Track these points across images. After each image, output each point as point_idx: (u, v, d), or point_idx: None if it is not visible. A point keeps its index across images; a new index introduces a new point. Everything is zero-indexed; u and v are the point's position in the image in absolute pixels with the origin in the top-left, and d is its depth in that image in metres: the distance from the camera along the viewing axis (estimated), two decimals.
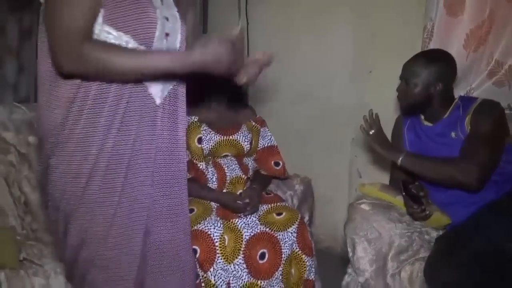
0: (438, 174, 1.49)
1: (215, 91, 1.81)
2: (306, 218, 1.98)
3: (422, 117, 1.69)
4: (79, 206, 1.04)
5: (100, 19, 0.95)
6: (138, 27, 0.98)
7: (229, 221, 1.59)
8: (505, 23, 1.84)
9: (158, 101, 1.09)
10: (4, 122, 1.74)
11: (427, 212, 1.49)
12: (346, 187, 2.50)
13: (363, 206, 1.57)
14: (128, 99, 1.03)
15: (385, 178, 2.01)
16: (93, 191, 1.03)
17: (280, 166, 1.89)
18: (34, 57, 3.77)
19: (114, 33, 0.97)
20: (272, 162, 1.87)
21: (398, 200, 1.62)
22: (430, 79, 1.58)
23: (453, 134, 1.57)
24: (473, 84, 1.92)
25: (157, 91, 1.08)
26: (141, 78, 1.03)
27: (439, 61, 1.60)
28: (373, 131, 1.61)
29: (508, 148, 1.52)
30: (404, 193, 1.54)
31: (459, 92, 1.93)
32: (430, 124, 1.66)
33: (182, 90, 1.18)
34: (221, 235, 1.51)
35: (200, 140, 1.71)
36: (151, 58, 0.99)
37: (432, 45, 2.00)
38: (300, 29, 2.57)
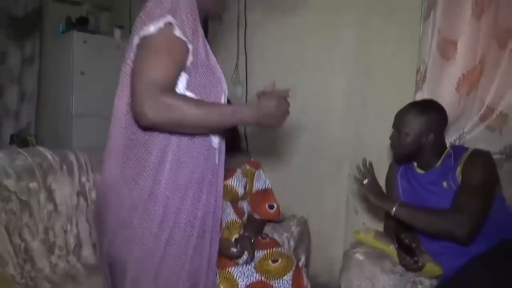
0: (430, 226, 1.51)
1: None
2: (303, 260, 2.01)
3: (415, 164, 1.72)
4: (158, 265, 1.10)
5: (183, 85, 1.07)
6: (212, 94, 1.12)
7: (225, 269, 1.61)
8: (496, 68, 1.88)
9: (216, 146, 1.20)
10: (5, 169, 1.77)
11: (420, 264, 1.51)
12: (343, 224, 2.51)
13: (357, 255, 1.60)
14: (205, 156, 1.16)
15: (381, 216, 2.04)
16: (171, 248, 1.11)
17: (274, 209, 1.91)
18: (35, 85, 3.85)
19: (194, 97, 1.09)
20: (267, 205, 1.90)
21: (391, 249, 1.64)
22: (421, 130, 1.61)
23: (444, 184, 1.60)
24: (465, 128, 1.95)
25: (215, 138, 1.20)
26: (209, 128, 1.13)
27: (430, 111, 1.64)
28: (366, 180, 1.64)
29: (498, 198, 1.55)
30: (397, 245, 1.56)
31: (451, 135, 1.97)
32: (422, 172, 1.69)
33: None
34: (217, 285, 1.54)
35: None
36: (227, 115, 1.09)
37: (425, 87, 2.04)
38: (297, 61, 2.62)
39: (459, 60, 1.95)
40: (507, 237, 1.52)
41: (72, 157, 1.85)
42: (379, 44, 2.29)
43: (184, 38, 1.02)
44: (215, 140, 1.20)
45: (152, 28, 0.99)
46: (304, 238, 2.03)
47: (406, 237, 1.56)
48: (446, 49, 1.97)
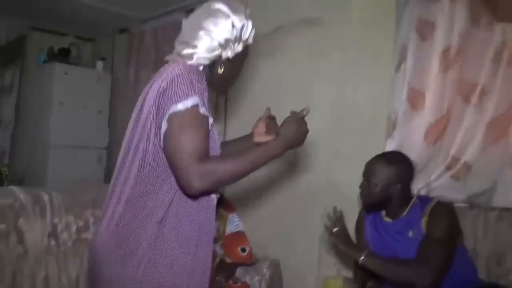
0: (395, 276, 1.56)
1: None
2: None
3: (384, 212, 1.78)
4: None
5: None
6: (215, 149, 1.19)
7: None
8: (461, 120, 1.96)
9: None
10: None
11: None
12: (316, 264, 2.53)
13: None
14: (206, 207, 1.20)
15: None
16: None
17: (246, 252, 1.93)
18: (13, 113, 3.83)
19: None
20: (239, 249, 1.92)
21: None
22: (389, 180, 1.67)
23: (410, 233, 1.65)
24: (432, 176, 2.02)
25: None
26: (248, 174, 1.18)
27: (398, 163, 1.70)
28: (336, 229, 1.68)
29: (460, 250, 1.61)
30: None
31: (419, 183, 2.04)
32: (390, 221, 1.74)
33: None
34: None
35: None
36: (259, 156, 1.18)
37: (395, 134, 2.12)
38: (274, 103, 2.65)
39: (427, 110, 2.04)
40: (470, 286, 1.57)
41: (45, 198, 1.84)
42: (353, 92, 2.38)
43: (207, 114, 1.10)
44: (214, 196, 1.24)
45: (180, 106, 1.05)
46: (275, 280, 2.05)
47: (372, 286, 1.59)
48: (415, 99, 2.07)
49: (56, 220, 1.84)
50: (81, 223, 1.93)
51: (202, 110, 1.08)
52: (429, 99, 2.04)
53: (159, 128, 1.08)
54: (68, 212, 1.89)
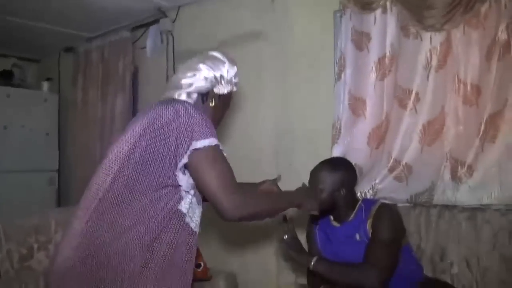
0: (346, 279, 1.59)
1: None
2: None
3: (331, 217, 1.82)
4: None
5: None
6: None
7: None
8: (398, 125, 2.06)
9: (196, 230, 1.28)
10: None
11: None
12: (275, 272, 2.55)
13: None
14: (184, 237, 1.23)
15: None
16: None
17: (201, 268, 1.92)
18: None
19: (194, 201, 1.26)
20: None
21: None
22: (334, 185, 1.72)
23: (357, 236, 1.70)
24: (376, 179, 2.10)
25: (197, 224, 1.29)
26: (273, 215, 1.37)
27: (341, 168, 1.76)
28: (286, 236, 1.70)
29: (405, 249, 1.67)
30: None
31: (365, 185, 2.12)
32: (338, 225, 1.79)
33: None
34: None
35: None
36: (281, 202, 1.44)
37: (340, 141, 2.19)
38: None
39: (368, 116, 2.13)
40: (415, 282, 1.64)
41: None
42: (300, 100, 2.44)
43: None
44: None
45: (205, 142, 1.14)
46: None
47: None
48: (356, 106, 2.15)
49: None
50: (24, 251, 1.86)
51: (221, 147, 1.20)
52: (369, 106, 2.12)
53: (176, 161, 1.14)
54: (9, 240, 1.81)
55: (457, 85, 1.92)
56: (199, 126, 1.15)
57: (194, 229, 1.25)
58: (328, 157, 2.19)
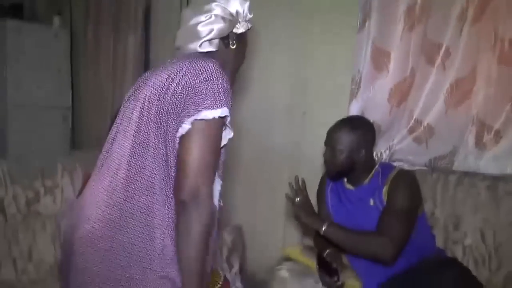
0: (356, 247, 1.55)
1: None
2: (236, 268, 2.01)
3: (345, 180, 1.74)
4: None
5: None
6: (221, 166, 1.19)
7: None
8: (424, 82, 1.90)
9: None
10: None
11: (339, 283, 1.54)
12: (282, 225, 2.53)
13: (282, 272, 1.61)
14: None
15: None
16: None
17: None
18: None
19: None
20: None
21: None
22: (354, 146, 1.63)
23: (371, 201, 1.63)
24: (394, 140, 1.98)
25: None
26: None
27: (361, 128, 1.66)
28: (298, 198, 1.63)
29: (420, 219, 1.59)
30: (317, 266, 1.58)
31: (381, 146, 2.00)
32: (352, 188, 1.71)
33: None
34: None
35: None
36: None
37: (359, 96, 2.05)
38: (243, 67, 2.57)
39: (391, 71, 1.97)
40: (426, 255, 1.57)
41: None
42: (318, 53, 2.27)
43: (228, 125, 1.09)
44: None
45: (208, 114, 1.01)
46: (237, 246, 2.03)
47: (328, 255, 1.58)
48: (379, 59, 1.99)
49: (1, 193, 1.75)
50: (31, 195, 1.85)
51: (227, 120, 1.07)
52: (394, 59, 1.96)
53: (176, 127, 1.03)
54: (14, 183, 1.80)
55: (493, 42, 1.73)
56: (213, 92, 1.03)
57: (215, 203, 1.15)
58: (345, 113, 2.09)
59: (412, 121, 1.94)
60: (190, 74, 1.03)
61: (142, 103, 1.06)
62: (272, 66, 2.46)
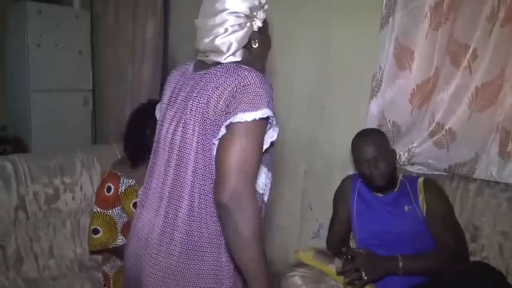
0: (434, 268, 1.52)
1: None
2: None
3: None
4: None
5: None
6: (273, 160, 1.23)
7: None
8: (447, 85, 1.82)
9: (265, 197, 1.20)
10: None
11: (366, 278, 1.51)
12: (298, 219, 2.54)
13: (295, 279, 1.62)
14: None
15: None
16: None
17: None
18: None
19: (265, 171, 1.17)
20: None
21: (329, 269, 1.66)
22: (391, 152, 1.71)
23: (406, 208, 1.65)
24: (414, 142, 1.92)
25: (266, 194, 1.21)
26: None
27: (385, 135, 1.76)
28: (364, 274, 1.52)
29: None
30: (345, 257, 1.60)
31: (401, 148, 1.95)
32: (380, 195, 1.71)
33: None
34: None
35: (135, 205, 1.71)
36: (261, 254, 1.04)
37: (379, 94, 1.99)
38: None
39: (414, 70, 1.89)
40: None
41: (9, 168, 1.78)
42: (339, 48, 2.20)
43: (272, 124, 1.08)
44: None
45: (247, 116, 0.99)
46: None
47: (347, 252, 1.61)
48: (402, 57, 1.91)
49: (23, 191, 1.80)
50: (51, 192, 1.89)
51: (270, 121, 1.06)
52: (417, 58, 1.88)
53: (215, 131, 1.03)
54: (35, 182, 1.84)
55: None
56: (249, 93, 1.02)
57: (262, 196, 1.16)
58: (364, 109, 2.04)
59: (434, 124, 1.87)
60: (227, 86, 1.02)
61: (191, 133, 1.06)
62: (295, 61, 2.41)
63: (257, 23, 1.13)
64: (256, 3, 1.11)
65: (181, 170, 1.07)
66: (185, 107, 1.08)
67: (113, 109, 3.55)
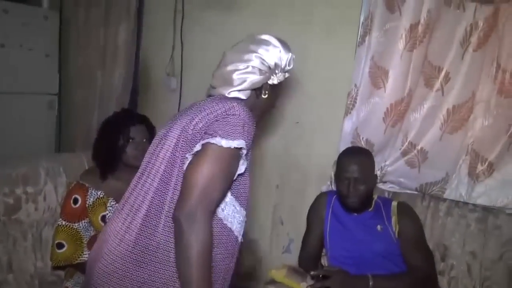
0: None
1: (125, 157, 1.71)
2: None
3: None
4: None
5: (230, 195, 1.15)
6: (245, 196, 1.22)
7: None
8: (420, 105, 1.86)
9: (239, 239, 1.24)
10: None
11: None
12: (269, 233, 2.52)
13: None
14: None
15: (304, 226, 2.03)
16: None
17: None
18: None
19: (237, 205, 1.17)
20: None
21: (301, 287, 1.65)
22: (371, 174, 1.69)
23: (378, 227, 1.66)
24: (387, 161, 1.95)
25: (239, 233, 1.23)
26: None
27: (371, 155, 1.74)
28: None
29: None
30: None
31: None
32: (355, 214, 1.71)
33: None
34: None
35: (104, 218, 1.64)
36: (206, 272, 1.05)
37: (354, 112, 2.01)
38: None
39: (388, 90, 1.91)
40: None
41: None
42: (316, 63, 2.20)
43: (243, 158, 1.11)
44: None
45: (224, 143, 1.04)
46: None
47: (315, 274, 1.59)
48: (377, 76, 1.94)
49: None
50: (11, 202, 1.79)
51: (242, 153, 1.09)
52: (392, 78, 1.90)
53: (191, 147, 1.07)
54: None
55: (495, 71, 1.69)
56: (229, 125, 1.06)
57: (235, 234, 1.18)
58: (337, 127, 2.06)
59: (406, 143, 1.91)
60: (214, 111, 1.08)
61: (169, 144, 1.11)
62: None
63: (274, 80, 1.24)
64: (282, 65, 1.23)
65: (150, 177, 1.11)
66: (173, 124, 1.14)
67: (81, 115, 3.43)
